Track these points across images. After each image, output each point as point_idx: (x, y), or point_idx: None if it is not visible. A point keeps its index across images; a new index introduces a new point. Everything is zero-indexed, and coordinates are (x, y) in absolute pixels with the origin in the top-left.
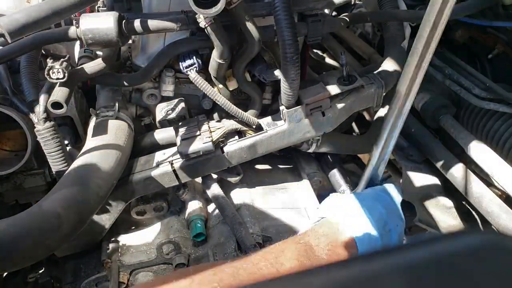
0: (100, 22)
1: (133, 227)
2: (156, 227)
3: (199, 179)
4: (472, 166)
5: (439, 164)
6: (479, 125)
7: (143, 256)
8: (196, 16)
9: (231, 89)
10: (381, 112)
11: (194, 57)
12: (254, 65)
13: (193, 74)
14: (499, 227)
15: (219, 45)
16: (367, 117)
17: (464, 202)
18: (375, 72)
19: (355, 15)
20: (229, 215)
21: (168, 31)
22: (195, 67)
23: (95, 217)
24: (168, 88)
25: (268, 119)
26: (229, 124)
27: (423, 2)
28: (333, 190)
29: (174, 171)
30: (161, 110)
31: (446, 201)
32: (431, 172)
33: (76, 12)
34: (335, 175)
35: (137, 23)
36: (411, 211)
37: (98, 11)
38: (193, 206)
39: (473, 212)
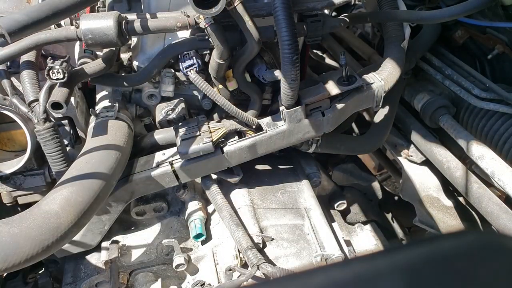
0: (100, 22)
1: (133, 228)
2: (156, 227)
3: (199, 179)
4: (472, 166)
5: (439, 164)
6: (479, 125)
7: (143, 256)
8: (196, 16)
9: (231, 89)
10: (381, 112)
11: (194, 58)
12: (254, 65)
13: (193, 75)
14: (498, 227)
15: (219, 46)
16: (367, 117)
17: (464, 202)
18: (375, 72)
19: (355, 15)
20: (226, 216)
21: (168, 31)
22: (195, 67)
23: (95, 218)
24: (168, 89)
25: (268, 119)
26: (229, 125)
27: (422, 3)
28: (333, 189)
29: (174, 171)
30: (161, 111)
31: (446, 201)
32: (431, 172)
33: (76, 12)
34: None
35: (137, 24)
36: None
37: (98, 11)
38: (193, 206)
39: (473, 212)
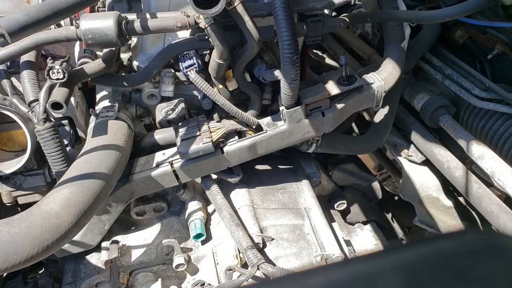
0: (100, 22)
1: (133, 228)
2: (156, 227)
3: (199, 179)
4: (472, 166)
5: (439, 164)
6: (479, 125)
7: (143, 256)
8: (196, 16)
9: (231, 89)
10: (381, 112)
11: (194, 58)
12: (254, 65)
13: (193, 75)
14: (498, 227)
15: (219, 46)
16: (367, 117)
17: (464, 202)
18: (375, 72)
19: (355, 15)
20: (226, 216)
21: (168, 31)
22: (195, 67)
23: (95, 218)
24: (168, 89)
25: (268, 119)
26: (229, 125)
27: (422, 3)
28: (333, 189)
29: (174, 171)
30: (161, 111)
31: (446, 201)
32: (431, 172)
33: (76, 12)
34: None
35: (137, 24)
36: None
37: (98, 11)
38: (193, 206)
39: (473, 212)
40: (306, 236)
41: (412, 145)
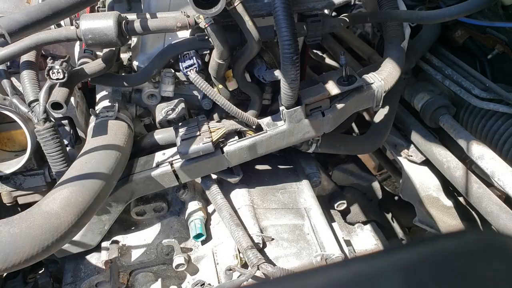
0: (99, 23)
1: (133, 228)
2: (156, 227)
3: (199, 179)
4: (472, 166)
5: (439, 164)
6: (479, 125)
7: (143, 256)
8: (196, 16)
9: (231, 89)
10: (381, 112)
11: (194, 58)
12: (254, 65)
13: (193, 75)
14: (498, 227)
15: (219, 46)
16: (367, 117)
17: (464, 202)
18: (375, 72)
19: (355, 16)
20: (226, 216)
21: (168, 31)
22: (195, 67)
23: (95, 218)
24: (168, 89)
25: (268, 119)
26: (229, 125)
27: (422, 3)
28: (333, 189)
29: (174, 171)
30: (161, 111)
31: (446, 201)
32: (431, 172)
33: (76, 12)
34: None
35: (137, 24)
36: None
37: (98, 11)
38: (193, 206)
39: (473, 212)
40: (306, 236)
41: (412, 145)
